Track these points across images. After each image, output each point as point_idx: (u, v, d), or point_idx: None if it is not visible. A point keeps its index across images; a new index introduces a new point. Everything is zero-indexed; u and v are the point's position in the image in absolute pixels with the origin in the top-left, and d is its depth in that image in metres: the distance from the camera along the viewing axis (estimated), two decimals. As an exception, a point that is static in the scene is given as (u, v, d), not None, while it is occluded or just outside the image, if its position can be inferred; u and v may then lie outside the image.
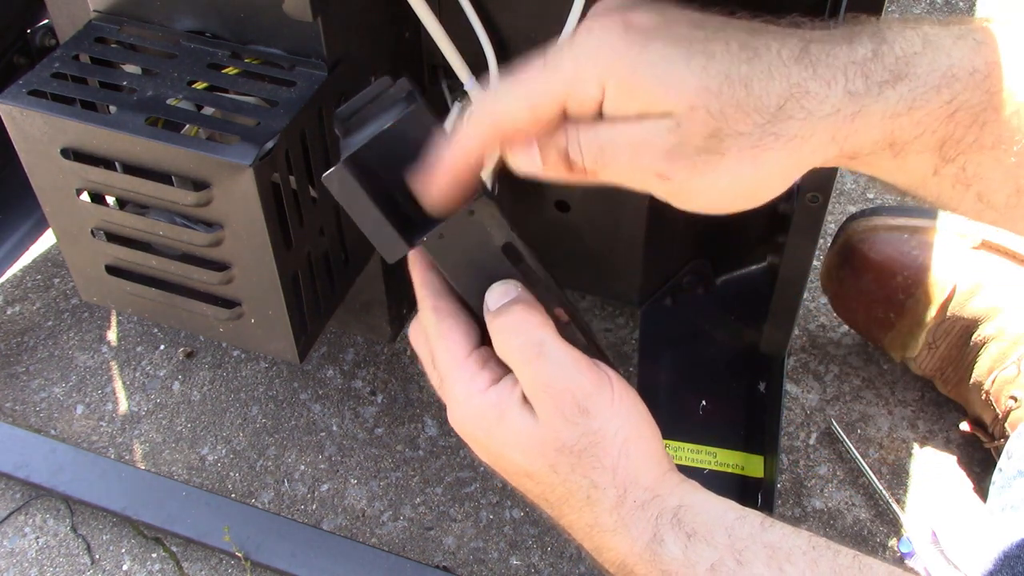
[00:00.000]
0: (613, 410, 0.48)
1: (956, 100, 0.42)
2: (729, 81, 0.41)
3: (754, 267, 0.94)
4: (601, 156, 0.44)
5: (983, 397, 0.99)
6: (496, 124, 0.46)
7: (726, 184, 0.43)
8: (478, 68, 0.76)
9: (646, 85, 0.42)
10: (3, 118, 0.65)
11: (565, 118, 0.45)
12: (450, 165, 0.46)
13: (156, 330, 1.18)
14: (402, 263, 0.52)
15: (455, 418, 0.51)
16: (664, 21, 0.43)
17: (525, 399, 0.49)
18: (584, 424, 0.48)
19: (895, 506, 0.97)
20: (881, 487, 0.99)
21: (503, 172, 0.76)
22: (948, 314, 0.99)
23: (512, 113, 0.45)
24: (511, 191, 0.85)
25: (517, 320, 0.49)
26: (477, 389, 0.49)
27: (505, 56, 0.75)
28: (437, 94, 0.81)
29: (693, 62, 0.41)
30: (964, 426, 1.02)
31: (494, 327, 0.49)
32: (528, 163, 0.46)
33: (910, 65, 0.41)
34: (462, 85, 0.76)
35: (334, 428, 1.09)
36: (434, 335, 0.50)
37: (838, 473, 1.01)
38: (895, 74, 0.41)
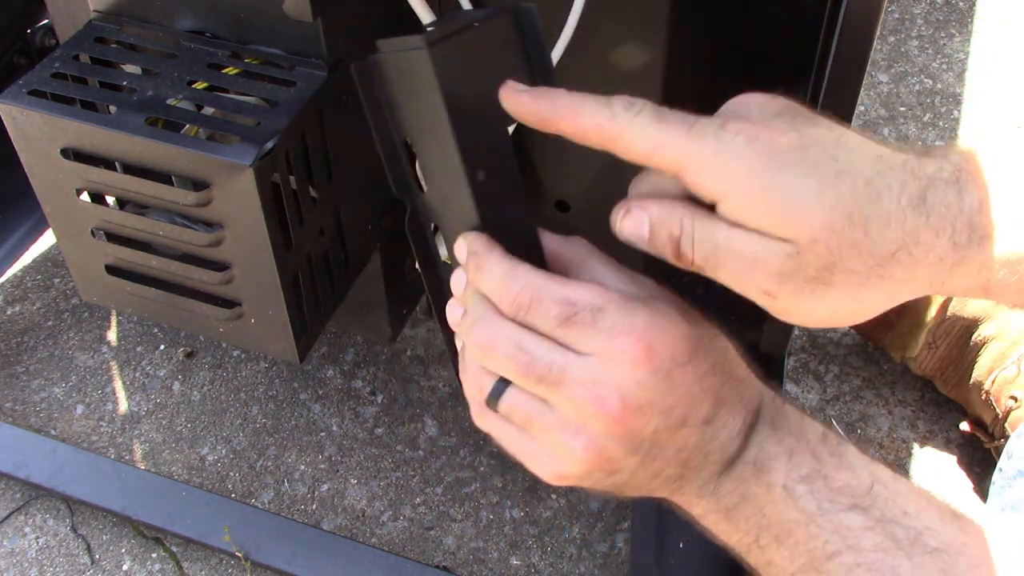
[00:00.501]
0: None
1: None
2: (851, 222, 0.43)
3: (754, 267, 0.94)
4: (713, 257, 0.45)
5: (983, 397, 0.99)
6: (610, 128, 0.46)
7: (825, 310, 0.45)
8: (478, 68, 0.75)
9: (775, 208, 0.43)
10: (3, 118, 0.65)
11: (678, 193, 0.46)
12: (552, 108, 0.46)
13: (156, 330, 1.18)
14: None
15: (656, 344, 0.45)
16: (802, 144, 0.44)
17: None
18: None
19: (895, 506, 0.97)
20: (881, 487, 0.99)
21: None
22: (948, 314, 0.99)
23: (632, 135, 0.45)
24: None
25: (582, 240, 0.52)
26: (622, 297, 0.47)
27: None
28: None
29: (823, 197, 0.43)
30: (964, 426, 1.02)
31: (577, 249, 0.51)
32: (634, 232, 0.47)
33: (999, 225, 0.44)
34: (462, 85, 0.76)
35: (334, 428, 1.09)
36: (564, 287, 0.47)
37: (838, 473, 1.02)
38: (988, 230, 0.44)
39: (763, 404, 0.49)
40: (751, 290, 0.45)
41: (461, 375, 0.51)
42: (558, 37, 0.71)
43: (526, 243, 0.50)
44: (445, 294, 0.53)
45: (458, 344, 0.52)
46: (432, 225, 0.53)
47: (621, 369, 0.45)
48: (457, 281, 0.50)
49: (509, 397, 0.48)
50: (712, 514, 0.50)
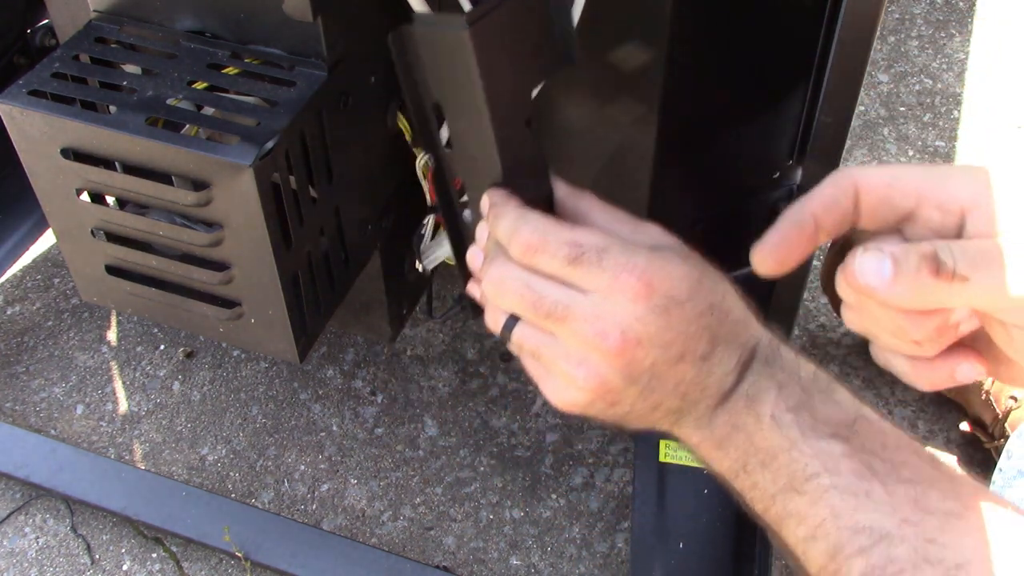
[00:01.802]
0: None
1: None
2: None
3: (754, 267, 0.94)
4: (981, 257, 0.43)
5: (983, 397, 0.99)
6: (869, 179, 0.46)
7: None
8: (478, 68, 0.75)
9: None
10: (3, 118, 0.65)
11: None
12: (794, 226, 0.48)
13: (156, 330, 1.18)
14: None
15: (656, 282, 0.49)
16: None
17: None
18: None
19: (895, 506, 0.97)
20: (881, 487, 0.99)
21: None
22: (948, 314, 0.99)
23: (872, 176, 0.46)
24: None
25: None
26: (632, 245, 0.51)
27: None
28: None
29: None
30: (964, 426, 1.02)
31: (587, 203, 0.56)
32: (875, 271, 0.45)
33: None
34: (462, 85, 0.76)
35: (334, 428, 1.09)
36: (572, 231, 0.51)
37: (838, 473, 1.02)
38: None
39: (760, 343, 0.52)
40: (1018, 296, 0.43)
41: (485, 309, 0.57)
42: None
43: (543, 197, 0.56)
44: (464, 242, 0.59)
45: (473, 289, 0.58)
46: (455, 179, 0.58)
47: (622, 305, 0.49)
48: (480, 232, 0.56)
49: (519, 331, 0.53)
50: (706, 443, 0.53)
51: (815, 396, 0.51)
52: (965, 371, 0.47)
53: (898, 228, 0.48)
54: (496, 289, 0.52)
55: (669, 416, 0.53)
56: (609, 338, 0.49)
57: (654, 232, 0.54)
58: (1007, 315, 0.45)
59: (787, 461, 0.50)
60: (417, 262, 0.82)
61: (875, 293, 0.45)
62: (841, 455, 0.49)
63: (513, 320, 0.53)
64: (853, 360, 1.11)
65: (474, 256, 0.57)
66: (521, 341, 0.53)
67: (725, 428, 0.52)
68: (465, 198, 0.58)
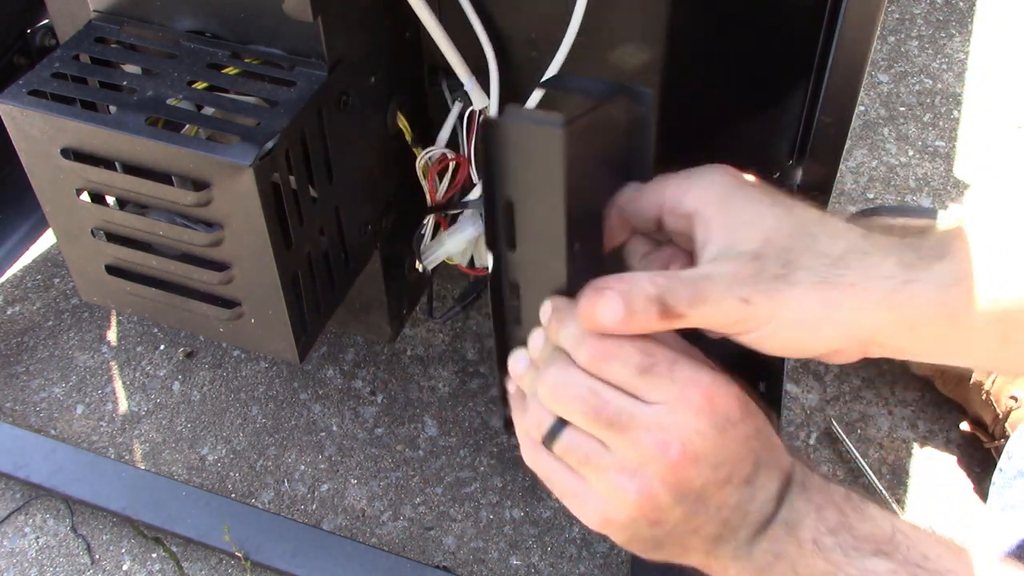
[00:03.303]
0: None
1: (1000, 276, 0.46)
2: (800, 230, 0.49)
3: (754, 267, 0.94)
4: (697, 292, 0.49)
5: (983, 397, 0.99)
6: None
7: (795, 313, 0.48)
8: (478, 68, 0.76)
9: (733, 220, 0.50)
10: (3, 118, 0.65)
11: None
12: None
13: (156, 330, 1.18)
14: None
15: (717, 399, 0.50)
16: (761, 185, 0.52)
17: None
18: None
19: (895, 506, 0.97)
20: (881, 487, 0.99)
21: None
22: (948, 314, 0.99)
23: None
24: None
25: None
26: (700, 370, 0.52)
27: (505, 56, 0.75)
28: (437, 94, 0.81)
29: (775, 208, 0.50)
30: (964, 426, 1.02)
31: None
32: (611, 311, 0.48)
33: (951, 247, 0.48)
34: (462, 85, 0.76)
35: (334, 428, 1.09)
36: (644, 340, 0.51)
37: (838, 473, 1.02)
38: (939, 253, 0.48)
39: (794, 469, 0.52)
40: (733, 306, 0.49)
41: (516, 414, 0.54)
42: (561, 38, 0.71)
43: None
44: (508, 345, 0.56)
45: (510, 388, 0.56)
46: (509, 282, 0.55)
47: (686, 417, 0.48)
48: (535, 339, 0.53)
49: (567, 436, 0.51)
50: (744, 574, 0.52)
51: (851, 515, 0.51)
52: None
53: (656, 229, 0.53)
54: (554, 393, 0.51)
55: (706, 543, 0.51)
56: (670, 449, 0.48)
57: (698, 353, 0.53)
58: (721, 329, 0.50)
59: None
60: (417, 262, 0.82)
61: (611, 331, 0.49)
62: (887, 572, 0.49)
63: (560, 425, 0.51)
64: (853, 360, 1.11)
65: (517, 360, 0.55)
66: (569, 447, 0.51)
67: (766, 557, 0.51)
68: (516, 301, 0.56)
